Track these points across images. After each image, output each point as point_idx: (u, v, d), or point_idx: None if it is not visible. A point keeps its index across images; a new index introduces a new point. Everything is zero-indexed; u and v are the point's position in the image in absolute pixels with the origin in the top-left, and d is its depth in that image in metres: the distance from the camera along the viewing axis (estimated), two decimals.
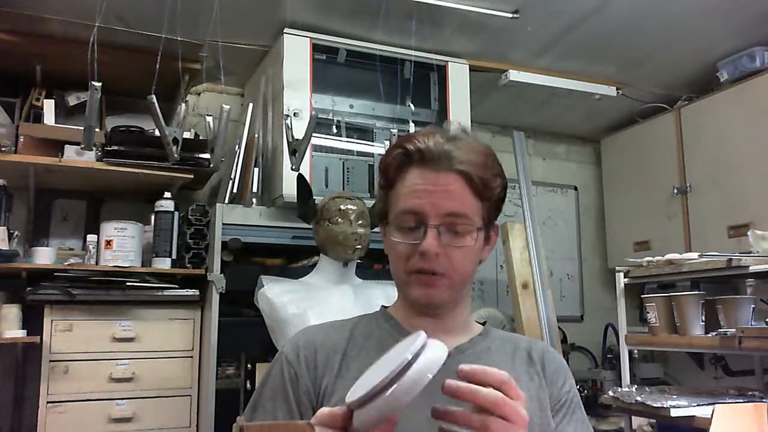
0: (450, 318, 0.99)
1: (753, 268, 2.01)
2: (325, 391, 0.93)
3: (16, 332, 2.17)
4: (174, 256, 2.38)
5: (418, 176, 0.94)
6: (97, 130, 2.11)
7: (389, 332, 1.00)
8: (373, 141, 2.61)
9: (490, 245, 1.01)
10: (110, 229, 2.31)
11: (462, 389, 0.68)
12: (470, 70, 2.79)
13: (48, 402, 2.15)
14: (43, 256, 2.27)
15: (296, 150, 2.17)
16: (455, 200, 0.92)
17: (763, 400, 1.95)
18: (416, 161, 0.94)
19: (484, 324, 1.08)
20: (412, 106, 2.64)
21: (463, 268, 0.95)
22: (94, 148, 2.22)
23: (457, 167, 0.92)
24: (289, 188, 2.26)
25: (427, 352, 0.67)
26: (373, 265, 2.47)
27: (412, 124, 2.53)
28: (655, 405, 1.98)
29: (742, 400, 2.00)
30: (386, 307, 1.07)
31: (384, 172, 0.99)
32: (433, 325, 0.98)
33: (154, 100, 1.90)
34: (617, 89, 3.13)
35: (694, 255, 2.24)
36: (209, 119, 2.27)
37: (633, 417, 2.31)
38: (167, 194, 2.43)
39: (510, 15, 2.46)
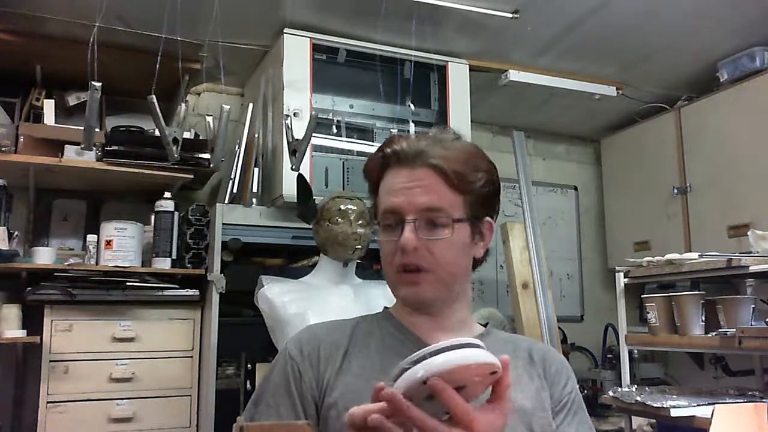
0: (446, 316, 1.00)
1: (753, 268, 2.01)
2: (327, 385, 0.93)
3: (16, 332, 2.17)
4: (174, 256, 2.37)
5: (395, 176, 0.97)
6: (97, 130, 2.11)
7: (390, 331, 1.01)
8: (373, 141, 2.61)
9: (485, 241, 1.01)
10: (110, 229, 2.30)
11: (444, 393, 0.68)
12: (470, 70, 2.79)
13: (48, 402, 2.15)
14: (43, 256, 2.27)
15: (296, 150, 2.17)
16: (431, 194, 0.94)
17: (763, 400, 1.95)
18: (393, 162, 0.98)
19: (485, 325, 1.08)
20: (412, 106, 2.64)
21: (448, 263, 0.95)
22: (94, 148, 2.22)
23: (430, 162, 0.95)
24: (289, 188, 2.26)
25: (479, 350, 0.70)
26: (373, 265, 2.46)
27: (412, 124, 2.53)
28: (655, 405, 1.98)
29: (742, 400, 2.00)
30: (388, 308, 1.08)
31: (368, 176, 1.03)
32: (429, 324, 0.99)
33: (154, 100, 1.90)
34: (617, 89, 3.13)
35: (694, 255, 2.24)
36: (209, 119, 2.27)
37: (633, 417, 2.31)
38: (167, 194, 2.43)
39: (510, 15, 2.46)
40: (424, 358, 0.68)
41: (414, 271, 0.94)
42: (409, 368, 0.69)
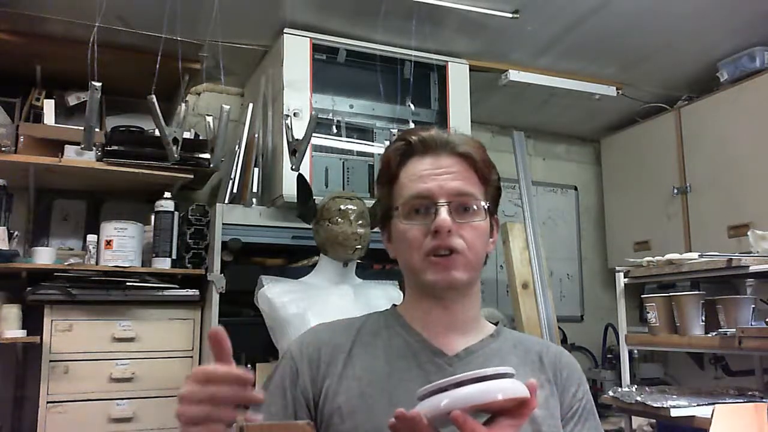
0: (459, 310, 0.98)
1: (753, 268, 2.01)
2: (328, 390, 0.92)
3: (16, 332, 2.17)
4: (174, 256, 2.37)
5: (419, 163, 0.97)
6: (97, 130, 2.11)
7: (397, 331, 0.99)
8: (373, 141, 2.61)
9: (494, 238, 1.01)
10: (110, 229, 2.30)
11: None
12: (470, 70, 2.79)
13: (48, 402, 2.14)
14: (43, 256, 2.27)
15: (296, 150, 2.17)
16: (460, 180, 0.95)
17: (763, 400, 1.95)
18: (418, 151, 0.98)
19: (496, 324, 1.06)
20: (412, 106, 2.64)
21: (476, 248, 0.95)
22: (94, 148, 2.22)
23: (458, 150, 0.96)
24: (289, 188, 2.26)
25: (506, 381, 0.70)
26: (373, 265, 2.47)
27: (412, 124, 2.53)
28: (655, 405, 1.98)
29: (742, 400, 2.00)
30: (396, 306, 1.05)
31: (386, 166, 1.01)
32: (440, 321, 0.97)
33: (154, 100, 1.90)
34: (617, 89, 3.13)
35: (694, 255, 2.24)
36: (209, 119, 2.27)
37: (633, 417, 2.31)
38: (167, 194, 2.43)
39: (510, 15, 2.46)
40: (457, 385, 0.68)
41: (445, 255, 0.92)
42: (434, 395, 0.69)
